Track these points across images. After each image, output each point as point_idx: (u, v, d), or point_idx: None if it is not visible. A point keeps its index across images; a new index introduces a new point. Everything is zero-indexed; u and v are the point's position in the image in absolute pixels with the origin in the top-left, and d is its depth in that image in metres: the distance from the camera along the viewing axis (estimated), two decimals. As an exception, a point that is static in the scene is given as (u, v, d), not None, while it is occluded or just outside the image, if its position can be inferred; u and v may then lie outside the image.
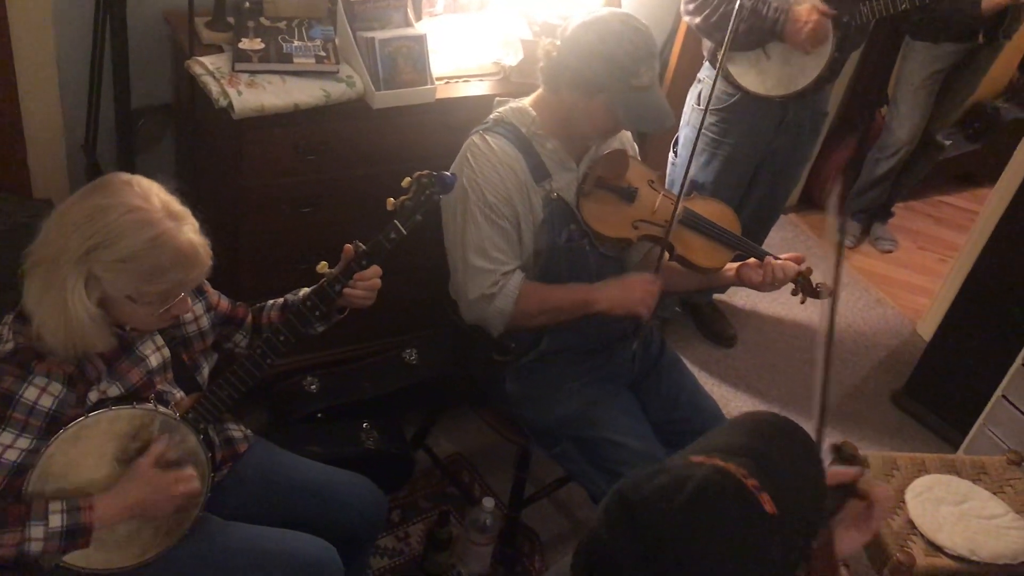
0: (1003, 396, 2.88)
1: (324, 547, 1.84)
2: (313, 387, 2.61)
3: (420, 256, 2.24)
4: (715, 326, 3.50)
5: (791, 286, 2.21)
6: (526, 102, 2.09)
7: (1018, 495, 2.47)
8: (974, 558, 2.21)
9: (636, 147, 2.30)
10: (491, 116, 2.10)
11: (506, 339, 2.13)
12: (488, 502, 2.40)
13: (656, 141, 3.17)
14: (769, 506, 0.90)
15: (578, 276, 2.10)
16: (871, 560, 2.33)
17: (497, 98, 2.18)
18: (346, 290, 1.74)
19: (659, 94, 2.02)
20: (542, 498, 2.61)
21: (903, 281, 4.06)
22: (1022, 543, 2.26)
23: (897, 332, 3.72)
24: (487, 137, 2.03)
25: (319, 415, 2.59)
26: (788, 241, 4.09)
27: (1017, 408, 2.84)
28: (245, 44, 2.30)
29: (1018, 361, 2.81)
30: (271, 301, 1.93)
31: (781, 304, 3.70)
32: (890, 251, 4.23)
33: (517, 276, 2.05)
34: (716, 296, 3.56)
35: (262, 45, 2.31)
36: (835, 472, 1.31)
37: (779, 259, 2.17)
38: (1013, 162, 3.33)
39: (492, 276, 2.03)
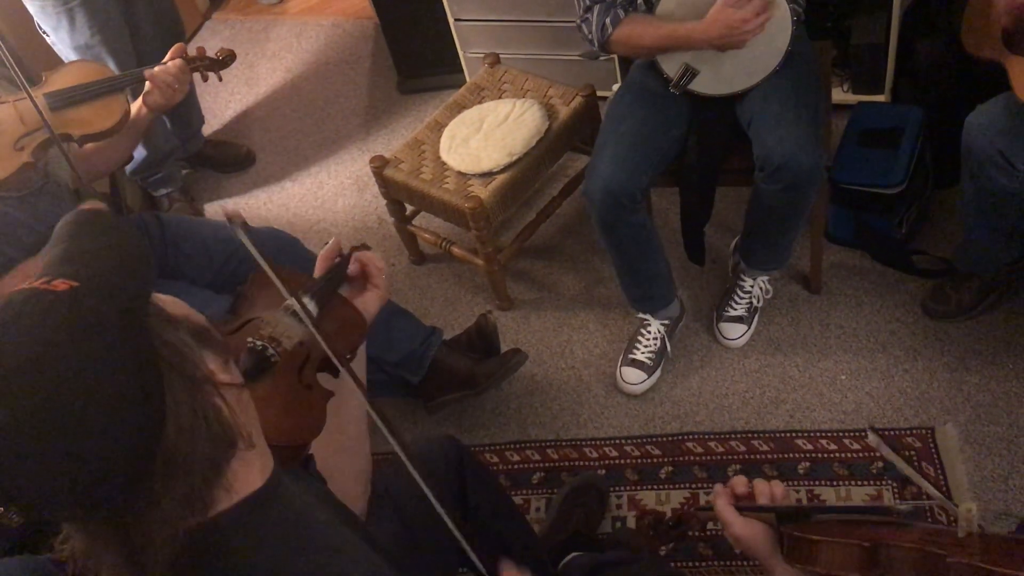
0: (455, 19, 3.05)
1: None
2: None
3: None
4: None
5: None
6: None
7: (515, 84, 2.68)
8: (515, 157, 2.41)
9: None
10: None
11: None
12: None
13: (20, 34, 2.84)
14: (62, 286, 0.89)
15: (8, 240, 1.93)
16: (460, 223, 2.48)
17: None
18: None
19: None
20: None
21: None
22: (535, 121, 2.47)
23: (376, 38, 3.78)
24: None
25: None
26: (229, 39, 3.95)
27: (470, 20, 3.03)
28: None
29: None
30: None
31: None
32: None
33: None
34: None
35: None
36: (321, 256, 1.43)
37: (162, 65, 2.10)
38: None
39: None
